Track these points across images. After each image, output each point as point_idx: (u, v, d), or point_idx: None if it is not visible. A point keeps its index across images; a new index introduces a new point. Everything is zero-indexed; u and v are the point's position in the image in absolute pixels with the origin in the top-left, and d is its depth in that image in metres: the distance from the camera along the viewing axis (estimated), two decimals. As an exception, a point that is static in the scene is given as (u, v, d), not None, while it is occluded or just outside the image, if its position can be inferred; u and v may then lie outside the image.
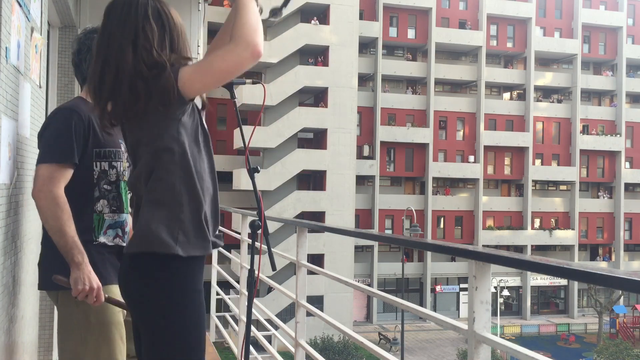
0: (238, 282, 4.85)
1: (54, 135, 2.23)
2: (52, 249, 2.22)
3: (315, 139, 35.84)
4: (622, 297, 40.19)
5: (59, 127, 2.24)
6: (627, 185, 43.56)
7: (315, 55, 35.35)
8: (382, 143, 38.59)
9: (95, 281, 2.17)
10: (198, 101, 1.93)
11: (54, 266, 2.21)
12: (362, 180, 38.17)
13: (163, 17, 1.87)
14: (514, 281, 40.85)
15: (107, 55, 1.83)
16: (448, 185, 41.47)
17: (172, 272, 1.81)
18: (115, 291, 2.23)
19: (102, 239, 2.31)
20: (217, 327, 5.67)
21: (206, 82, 1.78)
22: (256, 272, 2.58)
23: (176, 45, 1.88)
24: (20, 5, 2.29)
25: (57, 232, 2.14)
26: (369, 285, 32.42)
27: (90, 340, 2.21)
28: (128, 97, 1.78)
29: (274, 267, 2.49)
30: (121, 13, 1.84)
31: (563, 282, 41.30)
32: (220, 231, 2.00)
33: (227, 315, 5.89)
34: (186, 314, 1.83)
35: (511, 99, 43.47)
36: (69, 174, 2.21)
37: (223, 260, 27.94)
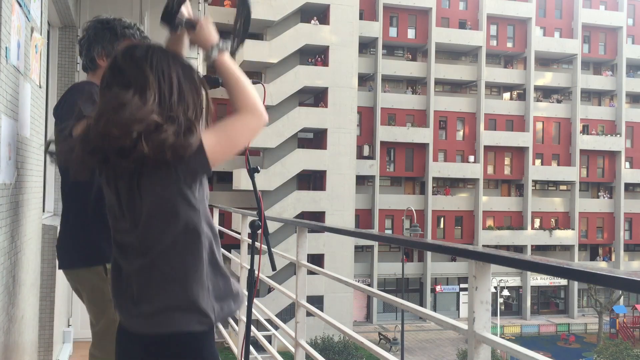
0: (238, 282, 4.84)
1: (89, 98, 2.18)
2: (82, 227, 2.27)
3: (315, 139, 35.82)
4: (622, 297, 40.18)
5: (92, 91, 2.22)
6: (627, 185, 43.56)
7: (315, 55, 35.32)
8: (382, 143, 38.57)
9: None
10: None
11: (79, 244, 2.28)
12: (362, 180, 38.15)
13: None
14: (514, 281, 40.84)
15: None
16: (448, 185, 41.45)
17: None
18: None
19: None
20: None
21: (227, 154, 1.70)
22: (256, 272, 2.58)
23: None
24: (20, 5, 2.29)
25: None
26: (369, 285, 32.43)
27: None
28: None
29: (274, 267, 2.50)
30: None
31: (563, 282, 41.29)
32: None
33: (227, 315, 5.87)
34: None
35: (511, 99, 43.46)
36: None
37: (223, 260, 27.89)
